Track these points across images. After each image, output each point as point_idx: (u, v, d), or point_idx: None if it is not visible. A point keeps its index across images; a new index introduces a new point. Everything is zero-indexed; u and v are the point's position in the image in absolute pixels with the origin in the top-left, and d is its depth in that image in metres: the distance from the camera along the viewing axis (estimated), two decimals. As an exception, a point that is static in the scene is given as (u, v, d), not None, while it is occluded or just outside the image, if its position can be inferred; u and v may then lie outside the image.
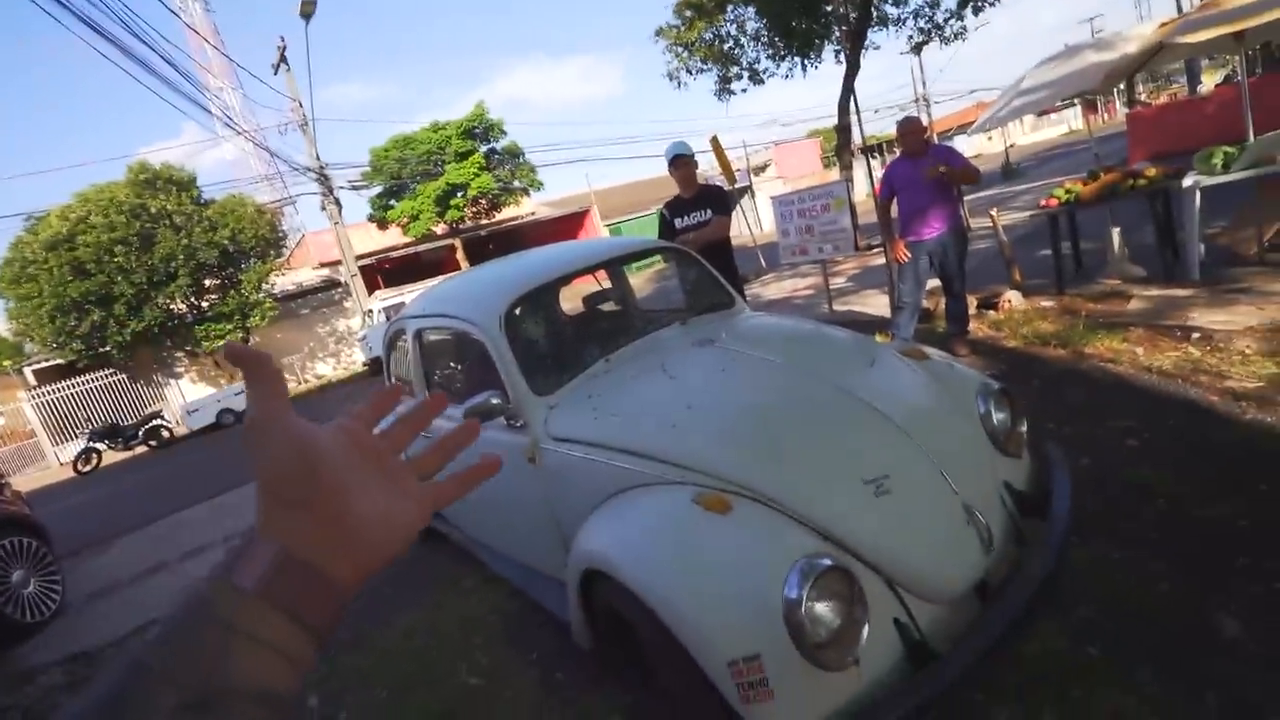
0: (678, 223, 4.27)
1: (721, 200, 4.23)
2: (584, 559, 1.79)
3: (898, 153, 4.55)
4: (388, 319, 14.85)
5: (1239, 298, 4.19)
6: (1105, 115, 34.87)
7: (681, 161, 4.22)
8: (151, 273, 14.69)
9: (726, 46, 13.52)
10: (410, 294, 14.66)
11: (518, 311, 2.39)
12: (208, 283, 16.29)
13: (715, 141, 10.86)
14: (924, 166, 4.27)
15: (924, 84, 29.21)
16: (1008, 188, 17.12)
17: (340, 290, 20.88)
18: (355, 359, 19.89)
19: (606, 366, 2.29)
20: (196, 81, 11.51)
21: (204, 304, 16.30)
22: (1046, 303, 5.19)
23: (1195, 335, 3.78)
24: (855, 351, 2.21)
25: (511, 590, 2.82)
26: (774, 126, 66.05)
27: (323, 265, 22.14)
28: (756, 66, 13.78)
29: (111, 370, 16.16)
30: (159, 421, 13.94)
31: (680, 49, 13.50)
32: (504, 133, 22.12)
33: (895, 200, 4.52)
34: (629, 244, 2.90)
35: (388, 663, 2.67)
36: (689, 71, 13.82)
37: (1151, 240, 5.26)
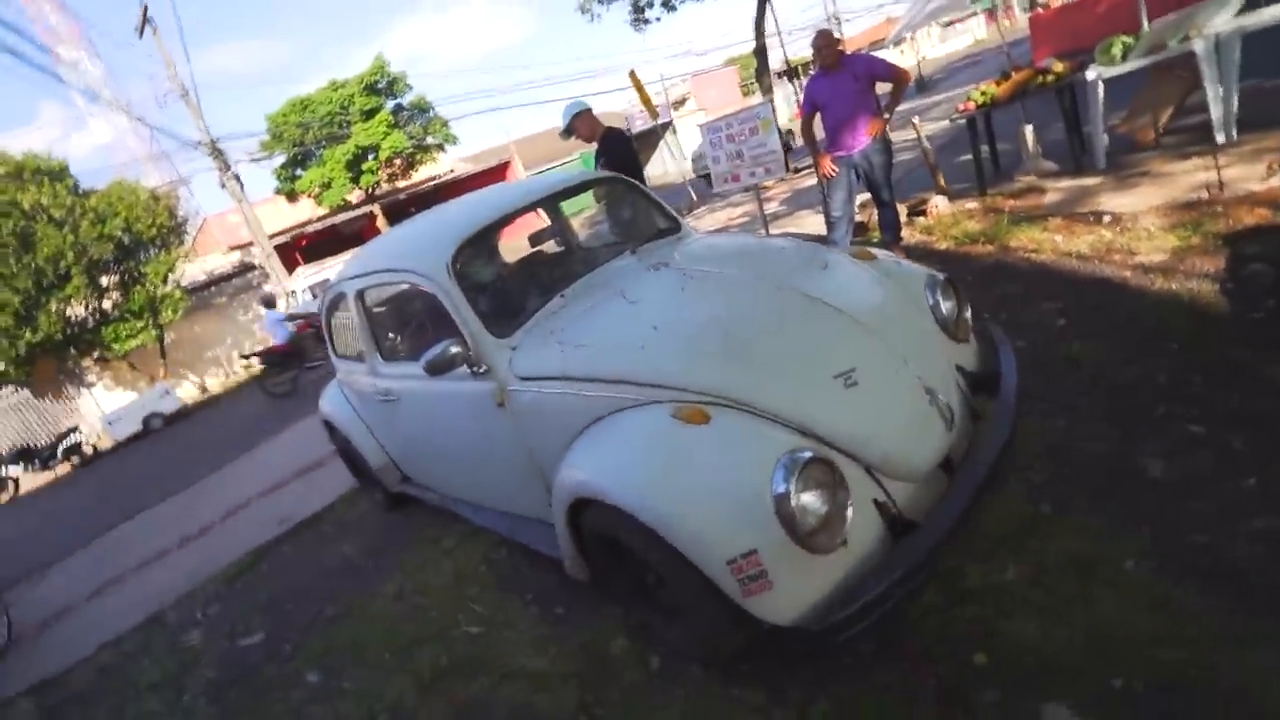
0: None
1: (621, 143, 4.13)
2: (570, 490, 1.81)
3: (815, 70, 4.52)
4: (314, 296, 14.04)
5: (1141, 180, 4.47)
6: (1007, 22, 35.59)
7: (574, 125, 4.07)
8: (39, 276, 13.24)
9: (635, -27, 13.04)
10: (334, 268, 13.88)
11: (464, 255, 2.31)
12: (105, 281, 14.89)
13: (634, 75, 10.52)
14: (843, 79, 4.29)
15: (834, 1, 29.02)
16: (922, 100, 17.46)
17: (256, 273, 19.60)
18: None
19: (563, 302, 2.26)
20: (45, 48, 10.21)
21: (106, 304, 14.93)
22: (971, 204, 5.39)
23: (1106, 219, 4.03)
24: (808, 258, 2.25)
25: (497, 540, 2.83)
26: (689, 57, 64.62)
27: (233, 248, 20.64)
28: (668, -8, 13.41)
29: (12, 388, 14.80)
30: (77, 437, 13.01)
31: (587, -22, 12.93)
32: (409, 86, 20.84)
33: (819, 116, 4.54)
34: (566, 179, 2.82)
35: (383, 627, 2.65)
36: (600, 1, 13.30)
37: (1061, 135, 5.50)
